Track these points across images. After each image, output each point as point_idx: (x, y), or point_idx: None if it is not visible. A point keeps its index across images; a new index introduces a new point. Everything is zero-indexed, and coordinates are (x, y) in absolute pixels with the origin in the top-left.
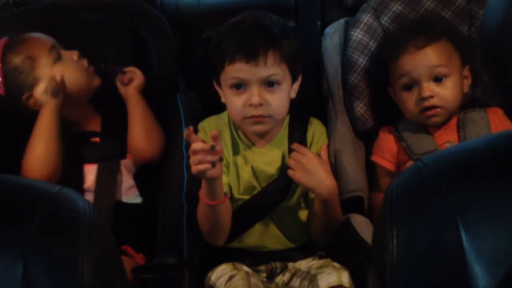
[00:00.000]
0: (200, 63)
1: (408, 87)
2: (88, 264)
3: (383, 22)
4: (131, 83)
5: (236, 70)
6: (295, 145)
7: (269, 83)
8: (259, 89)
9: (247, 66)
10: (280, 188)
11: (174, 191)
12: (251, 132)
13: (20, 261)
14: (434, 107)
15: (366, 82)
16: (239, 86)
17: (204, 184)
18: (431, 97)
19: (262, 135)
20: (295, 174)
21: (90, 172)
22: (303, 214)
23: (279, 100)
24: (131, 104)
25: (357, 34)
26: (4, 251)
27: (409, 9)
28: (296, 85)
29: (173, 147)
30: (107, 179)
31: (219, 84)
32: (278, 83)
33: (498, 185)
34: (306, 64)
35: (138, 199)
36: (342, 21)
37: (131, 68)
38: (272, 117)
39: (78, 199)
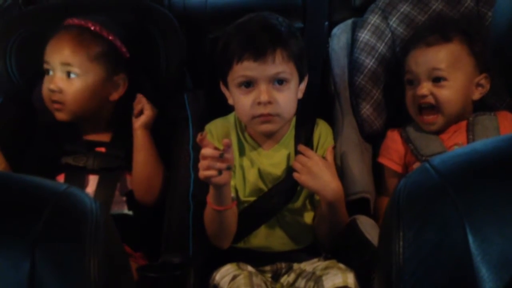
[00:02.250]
0: (207, 63)
1: (410, 82)
2: (94, 262)
3: (391, 23)
4: (139, 117)
5: (245, 68)
6: (301, 147)
7: (278, 81)
8: (267, 87)
9: (255, 64)
10: (286, 190)
11: (181, 191)
12: (260, 132)
13: (27, 258)
14: (430, 107)
15: (373, 84)
16: (248, 84)
17: (212, 190)
18: (426, 95)
19: (269, 136)
20: (301, 177)
21: (92, 182)
22: (309, 216)
23: (287, 99)
24: (135, 142)
25: (365, 35)
26: (12, 248)
27: (417, 10)
28: (303, 86)
29: (180, 147)
30: (105, 191)
31: (226, 85)
32: (286, 81)
33: (506, 187)
34: (313, 64)
35: (127, 212)
36: (349, 22)
37: (143, 100)
38: (280, 116)
39: (85, 197)
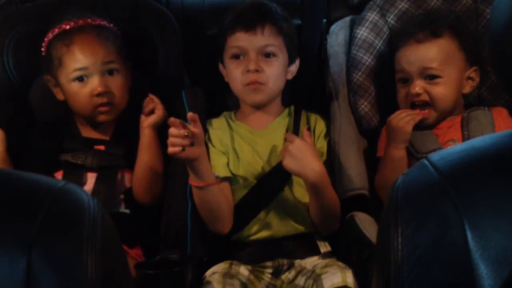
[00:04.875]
0: (205, 60)
1: (403, 81)
2: (92, 259)
3: (389, 20)
4: (149, 116)
5: (236, 39)
6: (287, 134)
7: (266, 55)
8: (256, 57)
9: (246, 35)
10: (282, 172)
11: (179, 188)
12: (250, 104)
13: (24, 256)
14: (424, 104)
15: (371, 81)
16: (239, 56)
17: (187, 166)
18: (420, 94)
19: (259, 107)
20: (283, 161)
21: (90, 179)
22: (306, 197)
23: (274, 70)
24: (142, 141)
25: (363, 32)
26: (8, 245)
27: (415, 7)
28: (293, 68)
29: None
30: (103, 189)
31: (223, 64)
32: (274, 55)
33: (505, 183)
34: (310, 62)
35: (124, 210)
36: (347, 19)
37: (156, 100)
38: (267, 85)
39: (82, 194)
